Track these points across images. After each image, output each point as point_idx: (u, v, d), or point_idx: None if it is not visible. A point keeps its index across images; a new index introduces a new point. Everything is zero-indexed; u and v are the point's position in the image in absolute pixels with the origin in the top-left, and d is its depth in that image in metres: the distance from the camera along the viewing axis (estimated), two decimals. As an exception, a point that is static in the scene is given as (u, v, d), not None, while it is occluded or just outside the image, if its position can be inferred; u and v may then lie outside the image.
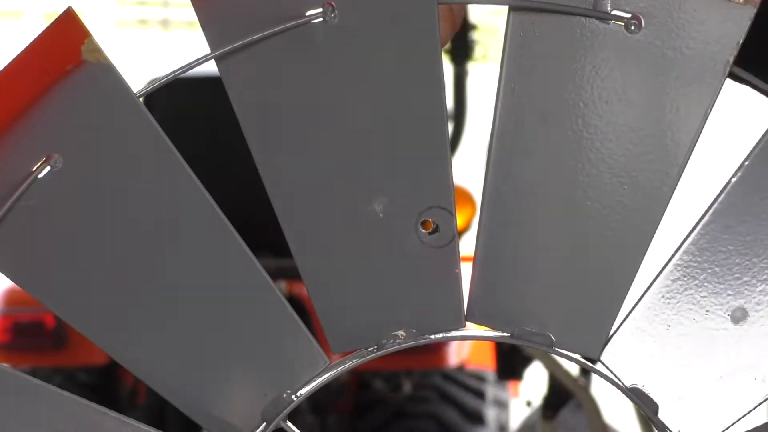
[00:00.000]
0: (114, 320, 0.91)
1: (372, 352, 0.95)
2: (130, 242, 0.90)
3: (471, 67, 4.21)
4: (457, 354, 3.59)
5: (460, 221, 3.46)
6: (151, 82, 0.91)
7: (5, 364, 0.91)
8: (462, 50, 4.13)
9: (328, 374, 0.94)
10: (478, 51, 4.19)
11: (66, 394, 0.91)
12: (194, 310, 0.92)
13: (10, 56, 0.85)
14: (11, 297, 3.52)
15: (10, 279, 0.90)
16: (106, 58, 0.87)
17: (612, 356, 0.96)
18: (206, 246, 0.91)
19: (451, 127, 4.22)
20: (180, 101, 3.77)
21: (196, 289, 0.92)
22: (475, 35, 4.18)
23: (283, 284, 3.34)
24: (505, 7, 0.91)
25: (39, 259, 0.90)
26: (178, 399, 0.93)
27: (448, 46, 4.10)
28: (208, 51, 0.90)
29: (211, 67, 0.93)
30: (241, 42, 0.89)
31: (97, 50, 0.87)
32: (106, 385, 3.78)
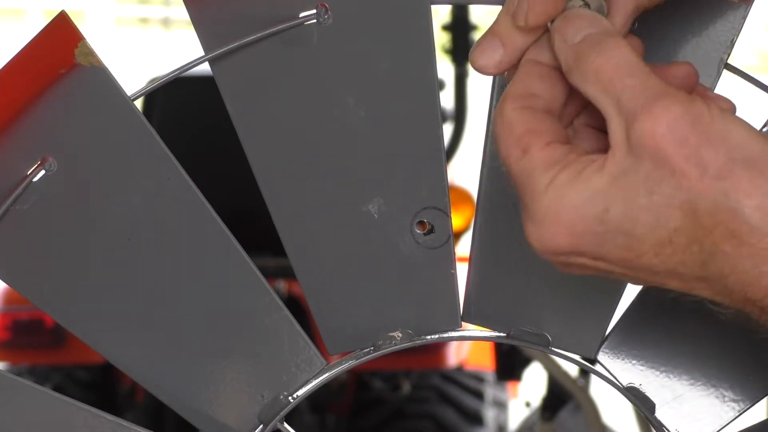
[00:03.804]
0: (109, 323, 0.91)
1: (369, 353, 0.95)
2: (125, 245, 0.90)
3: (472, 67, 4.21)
4: (456, 354, 3.59)
5: (459, 222, 3.46)
6: (152, 81, 0.91)
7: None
8: (463, 51, 4.13)
9: (325, 375, 0.94)
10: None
11: (61, 396, 0.91)
12: (190, 312, 0.92)
13: (6, 57, 0.85)
14: (11, 295, 3.52)
15: (6, 282, 0.90)
16: (99, 62, 0.87)
17: (608, 356, 0.96)
18: (201, 248, 0.91)
19: (451, 128, 4.22)
20: (181, 100, 3.77)
21: (192, 291, 0.92)
22: (476, 35, 4.18)
23: (282, 284, 3.33)
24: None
25: (34, 263, 0.90)
26: (174, 401, 0.93)
27: (448, 45, 4.12)
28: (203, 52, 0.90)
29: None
30: (235, 44, 0.89)
31: (90, 53, 0.87)
32: (105, 383, 3.78)
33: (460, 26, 4.12)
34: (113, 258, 0.91)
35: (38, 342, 3.57)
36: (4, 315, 3.57)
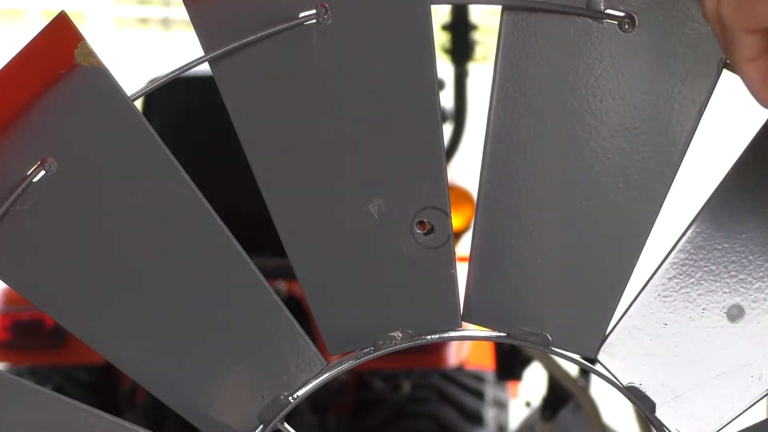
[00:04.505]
0: (110, 323, 0.91)
1: (369, 353, 0.94)
2: (125, 245, 0.90)
3: (471, 67, 4.22)
4: (456, 354, 3.59)
5: (459, 222, 3.45)
6: (151, 81, 0.90)
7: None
8: (462, 50, 4.13)
9: (325, 376, 0.94)
10: (478, 51, 4.20)
11: (61, 397, 0.91)
12: (191, 313, 0.92)
13: (6, 58, 0.85)
14: (11, 296, 3.52)
15: (6, 283, 0.90)
16: (99, 62, 0.87)
17: (609, 355, 0.96)
18: (201, 248, 0.91)
19: (451, 128, 4.22)
20: (181, 100, 3.77)
21: (193, 291, 0.92)
22: (476, 35, 4.18)
23: (282, 284, 3.33)
24: (500, 8, 0.91)
25: (34, 263, 0.90)
26: (175, 402, 0.93)
27: (448, 45, 4.12)
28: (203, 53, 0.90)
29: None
30: (234, 44, 0.89)
31: (90, 54, 0.87)
32: (106, 383, 3.78)
33: (459, 26, 4.12)
34: (113, 258, 0.91)
35: (38, 343, 3.57)
36: (4, 315, 3.57)
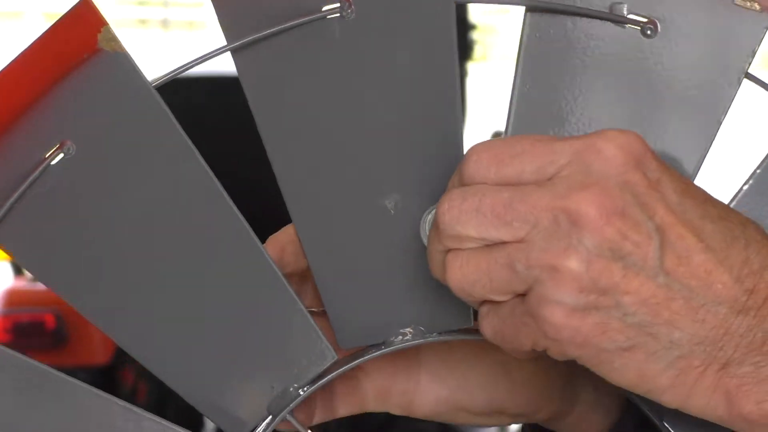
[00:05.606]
0: (125, 310, 0.91)
1: (380, 348, 0.94)
2: (141, 231, 0.90)
3: (470, 66, 4.23)
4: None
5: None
6: (155, 80, 0.90)
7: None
8: (461, 50, 4.14)
9: (336, 372, 0.93)
10: (477, 51, 4.21)
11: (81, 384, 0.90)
12: (204, 303, 0.92)
13: (11, 55, 0.85)
14: (12, 297, 3.52)
15: (23, 267, 0.90)
16: (122, 48, 0.87)
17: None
18: (217, 237, 0.91)
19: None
20: (187, 99, 3.77)
21: (206, 280, 0.92)
22: (475, 35, 4.19)
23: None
24: (506, 7, 0.92)
25: (52, 247, 0.90)
26: (185, 390, 0.92)
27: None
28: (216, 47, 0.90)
29: (221, 67, 0.93)
30: (255, 36, 0.89)
31: (113, 39, 0.87)
32: (106, 385, 3.78)
33: (458, 26, 4.13)
34: (129, 244, 0.90)
35: (39, 344, 3.56)
36: (5, 317, 3.56)
